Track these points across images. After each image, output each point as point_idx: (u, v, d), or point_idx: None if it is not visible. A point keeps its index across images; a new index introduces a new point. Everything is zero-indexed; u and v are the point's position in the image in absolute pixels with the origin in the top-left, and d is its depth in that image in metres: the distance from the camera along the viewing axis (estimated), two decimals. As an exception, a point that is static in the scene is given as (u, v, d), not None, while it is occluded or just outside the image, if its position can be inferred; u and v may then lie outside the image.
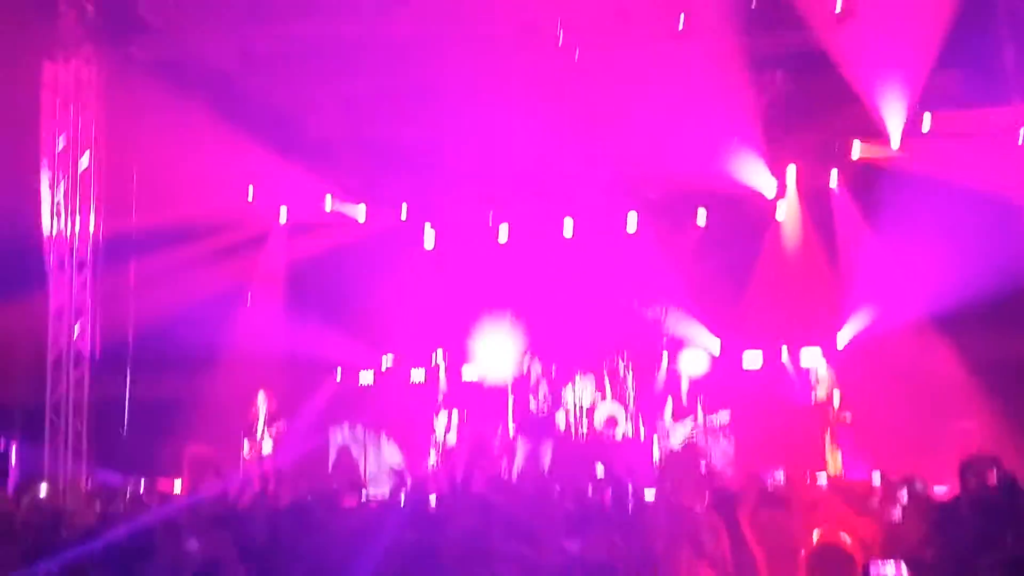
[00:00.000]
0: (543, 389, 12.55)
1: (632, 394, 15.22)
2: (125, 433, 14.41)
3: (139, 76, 13.28)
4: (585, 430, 15.19)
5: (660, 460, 13.93)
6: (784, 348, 14.59)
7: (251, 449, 13.85)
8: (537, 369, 12.79)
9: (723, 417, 13.94)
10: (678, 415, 13.93)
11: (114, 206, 14.07)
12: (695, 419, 13.82)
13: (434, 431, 14.77)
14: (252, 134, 14.24)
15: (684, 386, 14.11)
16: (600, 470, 8.57)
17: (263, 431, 13.81)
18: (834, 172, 15.06)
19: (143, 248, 14.39)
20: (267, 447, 13.65)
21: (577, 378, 15.46)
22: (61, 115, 13.60)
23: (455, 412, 14.70)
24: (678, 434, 13.83)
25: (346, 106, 15.61)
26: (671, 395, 14.11)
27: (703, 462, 13.34)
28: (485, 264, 16.64)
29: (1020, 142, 12.13)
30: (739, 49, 12.99)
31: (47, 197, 13.54)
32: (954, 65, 12.88)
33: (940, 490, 8.32)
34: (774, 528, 5.22)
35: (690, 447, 13.52)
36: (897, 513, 6.52)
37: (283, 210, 16.24)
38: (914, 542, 6.06)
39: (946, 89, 13.11)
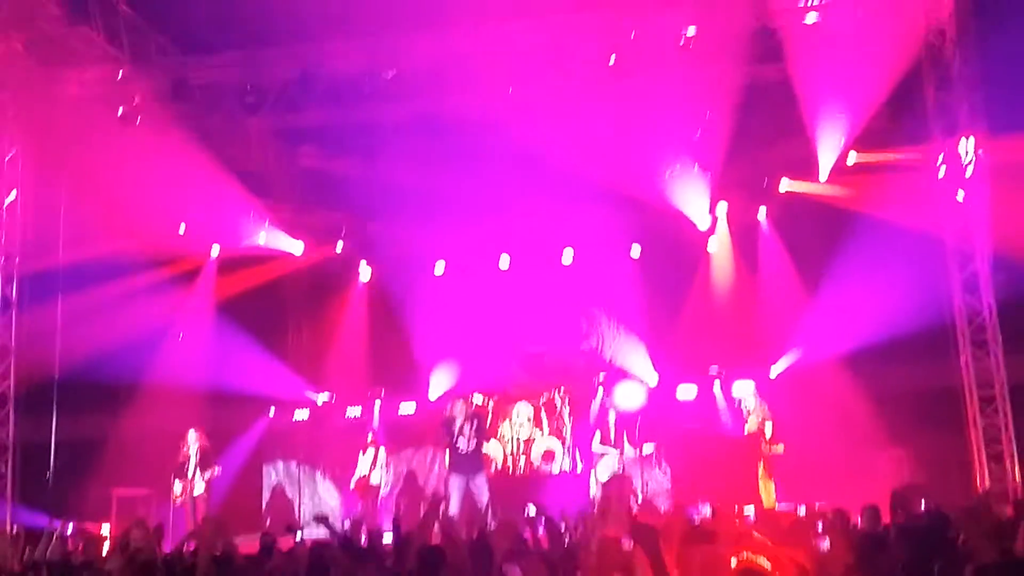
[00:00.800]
0: (471, 426, 12.44)
1: (569, 428, 15.27)
2: (51, 476, 14.00)
3: (67, 110, 13.07)
4: (523, 464, 15.19)
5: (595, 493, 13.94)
6: (717, 381, 14.73)
7: (183, 491, 13.43)
8: (461, 408, 12.68)
9: (650, 448, 13.99)
10: (604, 446, 13.96)
11: (40, 243, 13.77)
12: (622, 451, 13.85)
13: (357, 467, 14.56)
14: (184, 168, 14.12)
15: (612, 418, 14.13)
16: (531, 510, 8.53)
17: (195, 471, 13.42)
18: (762, 208, 15.35)
19: (69, 285, 14.08)
20: (199, 488, 13.24)
21: (514, 411, 15.47)
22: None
23: (382, 449, 14.53)
24: (605, 466, 13.84)
25: (280, 138, 15.58)
26: (599, 428, 14.14)
27: (632, 495, 13.37)
28: (422, 297, 16.63)
29: (939, 177, 12.45)
30: (674, 83, 13.19)
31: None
32: (883, 103, 13.25)
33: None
34: (700, 561, 5.25)
35: (619, 480, 13.55)
36: (825, 544, 6.60)
37: (215, 247, 16.00)
38: (841, 571, 6.13)
39: (874, 127, 13.45)
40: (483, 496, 12.26)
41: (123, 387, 13.95)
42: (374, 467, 14.20)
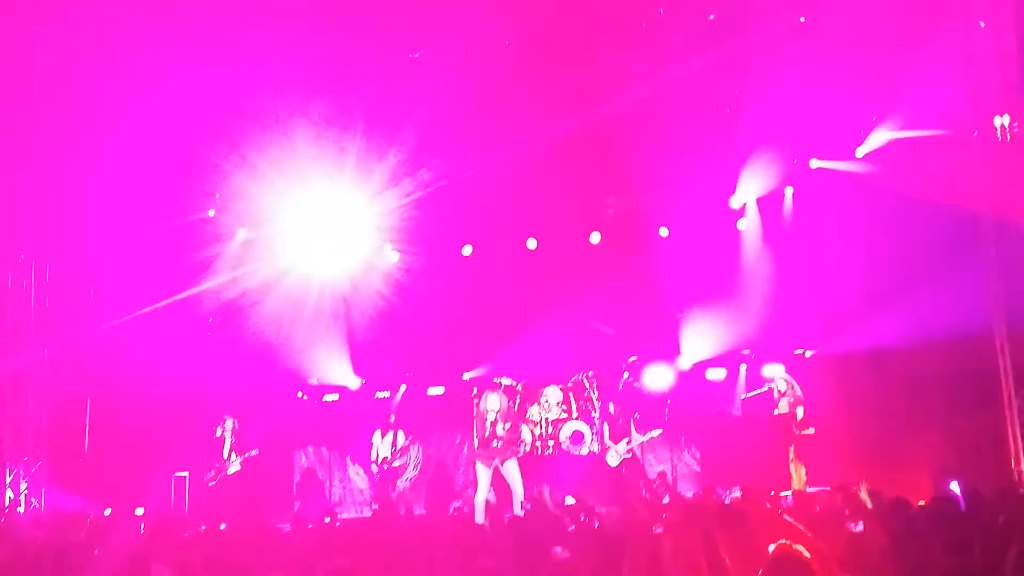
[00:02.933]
0: (504, 417, 12.43)
1: (598, 410, 15.21)
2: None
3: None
4: (552, 446, 15.16)
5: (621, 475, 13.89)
6: (746, 362, 14.63)
7: (216, 472, 13.72)
8: (496, 401, 12.67)
9: (656, 434, 13.92)
10: (615, 434, 13.89)
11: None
12: (631, 438, 13.78)
13: (375, 449, 14.54)
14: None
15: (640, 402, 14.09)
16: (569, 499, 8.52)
17: (230, 452, 13.68)
18: (792, 188, 15.13)
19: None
20: (233, 468, 13.58)
21: (543, 394, 15.43)
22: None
23: (400, 432, 14.50)
24: (623, 450, 13.80)
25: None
26: (635, 411, 14.05)
27: (642, 479, 13.35)
28: (452, 282, 16.57)
29: (975, 153, 12.21)
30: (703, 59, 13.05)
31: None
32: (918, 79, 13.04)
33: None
34: (731, 544, 5.17)
35: (636, 464, 13.58)
36: (859, 526, 6.51)
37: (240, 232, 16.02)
38: (876, 554, 6.04)
39: (908, 103, 13.24)
40: (515, 483, 12.27)
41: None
42: (394, 449, 14.16)
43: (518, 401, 15.59)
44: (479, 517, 11.49)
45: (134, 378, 13.94)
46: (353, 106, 13.85)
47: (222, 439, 13.86)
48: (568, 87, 13.90)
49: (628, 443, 13.80)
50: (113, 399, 14.17)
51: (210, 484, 13.79)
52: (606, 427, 14.04)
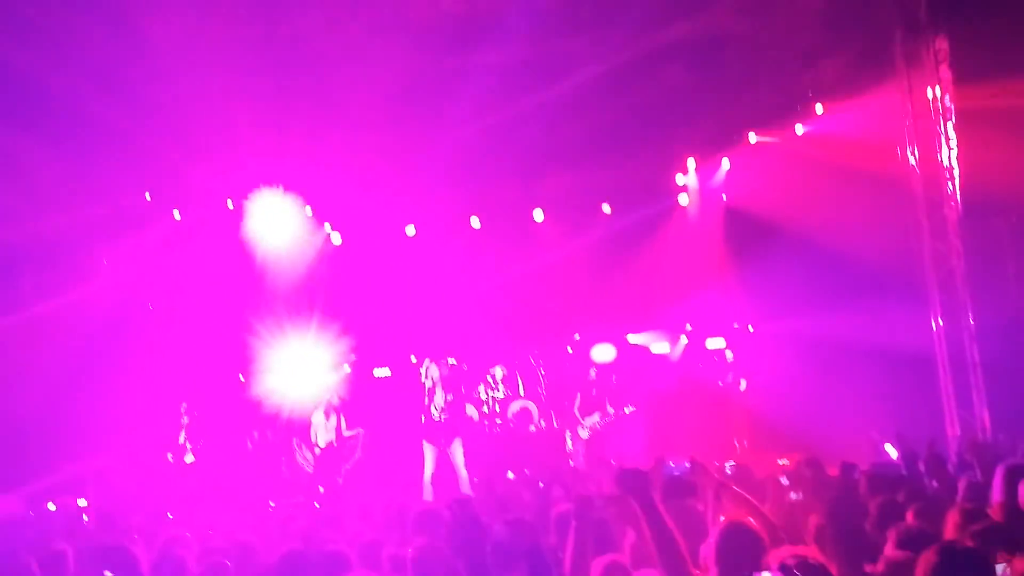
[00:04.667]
0: (444, 391, 12.30)
1: (543, 388, 15.31)
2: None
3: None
4: (499, 424, 15.22)
5: (572, 451, 14.03)
6: (689, 336, 14.81)
7: (174, 459, 13.62)
8: (435, 371, 12.50)
9: (631, 409, 14.09)
10: (586, 408, 14.01)
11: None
12: (603, 411, 13.92)
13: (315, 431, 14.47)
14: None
15: (592, 378, 14.18)
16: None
17: (186, 443, 13.57)
18: (729, 161, 15.27)
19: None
20: (189, 459, 13.46)
21: (489, 373, 15.48)
22: None
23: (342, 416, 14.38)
24: (586, 426, 13.94)
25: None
26: (580, 390, 14.19)
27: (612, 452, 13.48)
28: (396, 263, 16.54)
29: (908, 124, 12.45)
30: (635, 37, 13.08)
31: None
32: (845, 48, 13.23)
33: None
34: (681, 515, 5.25)
35: (597, 437, 13.69)
36: (797, 495, 6.65)
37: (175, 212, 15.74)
38: (814, 522, 6.17)
39: (842, 76, 13.42)
40: (458, 463, 12.13)
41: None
42: (339, 432, 14.07)
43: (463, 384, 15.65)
44: (426, 495, 11.49)
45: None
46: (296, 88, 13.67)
47: (178, 426, 13.74)
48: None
49: (599, 417, 13.92)
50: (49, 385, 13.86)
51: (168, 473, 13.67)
52: (577, 400, 14.10)
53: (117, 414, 13.84)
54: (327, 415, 14.14)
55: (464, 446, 12.37)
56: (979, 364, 12.00)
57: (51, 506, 12.21)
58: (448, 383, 12.46)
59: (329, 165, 15.56)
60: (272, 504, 10.59)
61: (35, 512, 10.49)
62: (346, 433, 13.97)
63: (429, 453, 12.18)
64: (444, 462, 12.18)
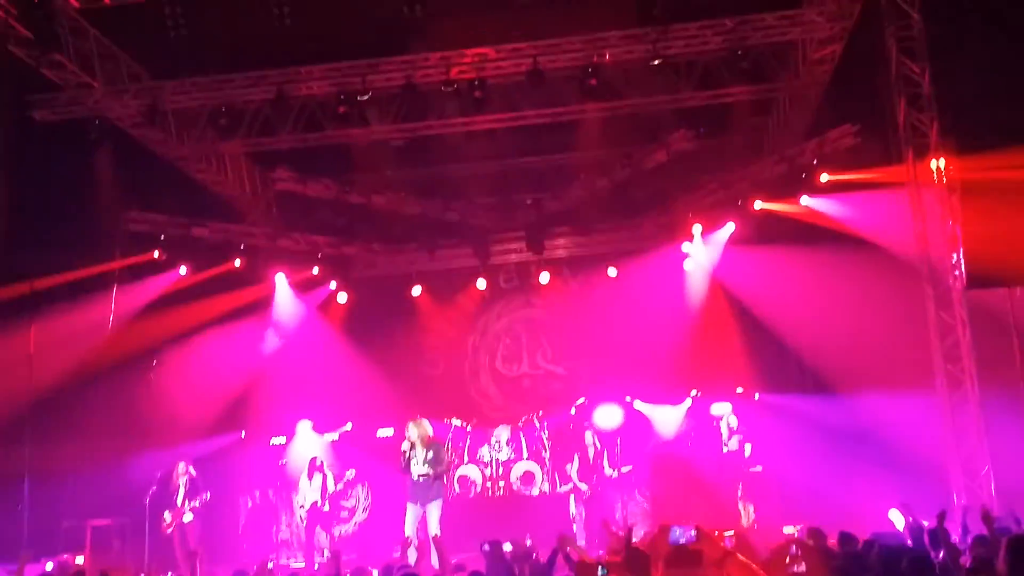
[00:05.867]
0: (425, 452, 12.12)
1: (548, 450, 15.25)
2: (24, 506, 13.82)
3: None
4: (503, 487, 15.13)
5: (576, 516, 13.91)
6: (695, 401, 14.77)
7: (172, 519, 13.43)
8: (413, 431, 12.35)
9: (628, 469, 14.03)
10: (584, 472, 13.90)
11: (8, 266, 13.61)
12: (601, 473, 13.84)
13: (300, 493, 14.35)
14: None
15: (592, 441, 14.10)
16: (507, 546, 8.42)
17: (184, 500, 13.41)
18: (735, 228, 15.35)
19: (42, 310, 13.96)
20: (188, 516, 13.24)
21: (493, 434, 15.43)
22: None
23: (330, 476, 14.18)
24: (584, 489, 13.83)
25: (255, 161, 15.55)
26: (578, 452, 14.10)
27: (614, 519, 13.34)
28: (400, 320, 16.62)
29: (911, 195, 12.56)
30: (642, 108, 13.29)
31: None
32: (850, 121, 13.41)
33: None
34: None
35: (602, 506, 13.58)
36: (802, 567, 6.60)
37: (183, 267, 15.79)
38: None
39: (843, 145, 13.58)
40: (433, 526, 11.87)
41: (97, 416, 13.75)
42: (324, 492, 13.95)
43: (468, 443, 15.59)
44: (410, 559, 11.16)
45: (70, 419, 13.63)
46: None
47: (176, 486, 13.58)
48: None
49: (597, 479, 13.83)
50: (54, 447, 13.83)
51: (167, 531, 13.50)
52: (576, 463, 13.96)
53: (116, 472, 13.77)
54: (311, 475, 14.04)
55: (444, 509, 12.08)
56: (984, 433, 11.95)
57: (49, 566, 12.09)
58: (426, 440, 12.23)
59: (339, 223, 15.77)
60: (271, 565, 10.46)
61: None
62: (333, 489, 13.85)
63: (411, 515, 11.97)
64: (423, 527, 11.92)
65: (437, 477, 11.95)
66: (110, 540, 14.04)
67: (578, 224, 15.77)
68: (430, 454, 11.95)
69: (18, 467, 13.80)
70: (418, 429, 12.14)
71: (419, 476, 11.90)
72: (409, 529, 11.75)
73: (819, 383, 13.84)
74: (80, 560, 12.86)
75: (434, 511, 11.80)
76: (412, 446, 12.00)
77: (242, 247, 15.90)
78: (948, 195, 12.19)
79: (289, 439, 15.85)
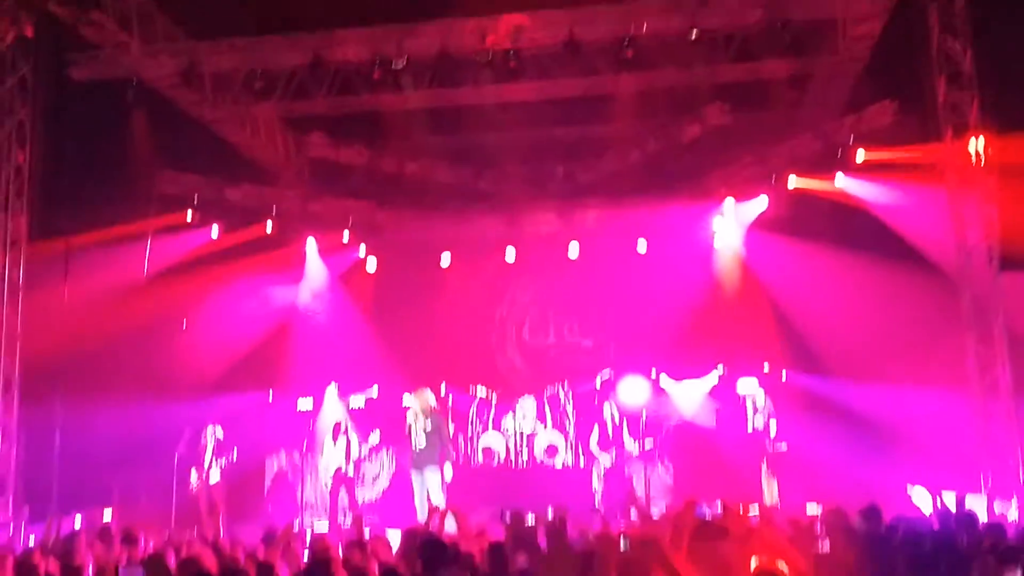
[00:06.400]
0: (424, 421, 12.47)
1: (572, 422, 15.28)
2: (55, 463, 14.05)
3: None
4: (526, 458, 15.19)
5: (598, 489, 13.97)
6: (721, 377, 14.74)
7: (198, 479, 13.70)
8: (413, 400, 12.72)
9: (651, 444, 14.05)
10: (603, 444, 13.96)
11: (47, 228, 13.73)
12: (622, 447, 13.87)
13: (325, 456, 14.49)
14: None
15: (613, 415, 14.12)
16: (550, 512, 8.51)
17: (211, 461, 13.67)
18: (769, 204, 15.22)
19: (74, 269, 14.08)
20: (214, 477, 13.53)
21: (518, 405, 15.48)
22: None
23: (355, 439, 14.35)
24: (607, 463, 13.88)
25: (289, 125, 15.58)
26: (598, 423, 14.16)
27: (636, 495, 13.39)
28: (428, 288, 16.67)
29: (949, 175, 12.39)
30: (678, 80, 13.17)
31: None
32: (888, 97, 13.24)
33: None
34: (712, 559, 5.23)
35: (623, 479, 13.62)
36: (825, 546, 6.60)
37: (214, 228, 15.90)
38: (843, 572, 6.13)
39: (880, 122, 13.42)
40: (436, 494, 12.17)
41: (127, 373, 13.90)
42: (348, 457, 14.13)
43: (492, 412, 15.65)
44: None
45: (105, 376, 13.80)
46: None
47: (203, 446, 13.86)
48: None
49: (617, 453, 13.87)
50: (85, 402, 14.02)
51: (192, 490, 13.76)
52: (596, 435, 14.07)
53: (145, 430, 13.94)
54: (335, 439, 14.21)
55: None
56: (1015, 418, 11.83)
57: (77, 520, 12.29)
58: (427, 410, 12.57)
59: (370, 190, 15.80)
60: (296, 525, 10.62)
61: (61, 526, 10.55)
62: (357, 454, 14.02)
63: (415, 483, 12.35)
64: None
65: (434, 446, 12.40)
66: (137, 497, 14.27)
67: (609, 196, 15.66)
68: (429, 424, 12.51)
69: (49, 422, 14.04)
70: (420, 400, 12.60)
71: (419, 445, 12.37)
72: (417, 497, 12.06)
73: (847, 366, 13.73)
74: (107, 516, 13.06)
75: (433, 478, 12.18)
76: (416, 416, 12.44)
77: (274, 211, 16.06)
78: (985, 176, 12.01)
79: (316, 402, 15.99)
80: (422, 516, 11.84)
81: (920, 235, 12.69)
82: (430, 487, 12.37)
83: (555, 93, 13.52)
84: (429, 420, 12.59)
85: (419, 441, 12.55)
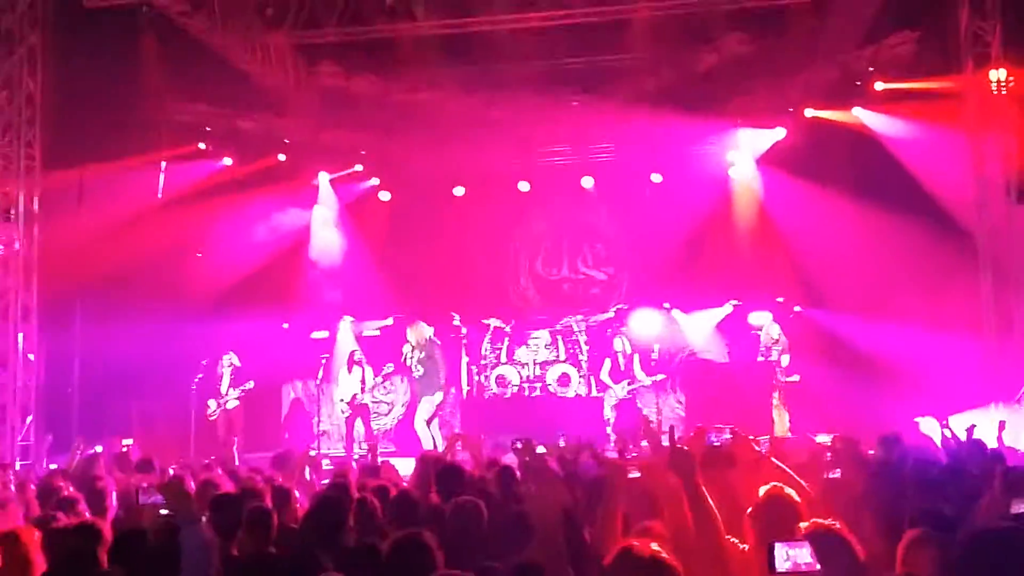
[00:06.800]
0: (420, 353, 13.39)
1: (585, 354, 15.37)
2: (73, 389, 14.24)
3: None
4: (539, 388, 15.32)
5: (610, 419, 14.10)
6: (734, 309, 14.76)
7: (217, 406, 13.97)
8: (410, 335, 13.59)
9: (662, 378, 14.17)
10: (615, 375, 14.09)
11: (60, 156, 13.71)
12: (633, 379, 13.98)
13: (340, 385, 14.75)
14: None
15: (623, 347, 14.19)
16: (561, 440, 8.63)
17: (228, 388, 13.93)
18: (785, 135, 15.04)
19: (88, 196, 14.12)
20: (232, 403, 13.83)
21: (531, 336, 15.56)
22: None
23: (368, 369, 14.58)
24: (620, 394, 14.01)
25: (300, 54, 15.42)
26: (610, 356, 14.25)
27: (649, 421, 13.51)
28: (441, 220, 16.67)
29: (969, 106, 12.21)
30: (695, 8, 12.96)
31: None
32: (909, 27, 13.01)
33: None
34: (720, 486, 5.28)
35: (635, 409, 13.75)
36: (836, 472, 6.66)
37: (226, 160, 15.85)
38: (852, 500, 6.19)
39: (900, 52, 13.21)
40: (427, 419, 13.03)
41: (143, 302, 14.01)
42: (363, 387, 14.35)
43: (506, 343, 15.73)
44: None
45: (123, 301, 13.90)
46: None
47: (220, 375, 14.12)
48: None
49: (629, 384, 13.99)
50: (103, 331, 14.15)
51: (211, 418, 14.02)
52: (607, 367, 14.20)
53: (162, 358, 14.10)
54: (350, 369, 14.41)
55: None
56: None
57: (98, 448, 12.50)
58: (423, 344, 13.37)
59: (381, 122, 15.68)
60: (313, 451, 10.77)
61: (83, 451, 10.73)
62: (372, 383, 14.25)
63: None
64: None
65: (431, 375, 13.31)
66: (155, 424, 14.49)
67: (624, 127, 15.51)
68: (423, 354, 13.34)
69: (68, 350, 14.22)
70: (415, 332, 13.50)
71: (417, 375, 13.27)
72: (418, 424, 12.55)
73: (859, 303, 13.69)
74: (126, 443, 13.27)
75: (426, 405, 13.23)
76: (412, 348, 13.34)
77: (286, 141, 16.02)
78: (1006, 107, 11.84)
79: (331, 332, 16.12)
80: (426, 443, 12.23)
81: (936, 170, 12.56)
82: (419, 412, 13.25)
83: (570, 21, 13.32)
84: (423, 351, 13.30)
85: (417, 371, 13.37)
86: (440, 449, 10.68)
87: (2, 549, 4.69)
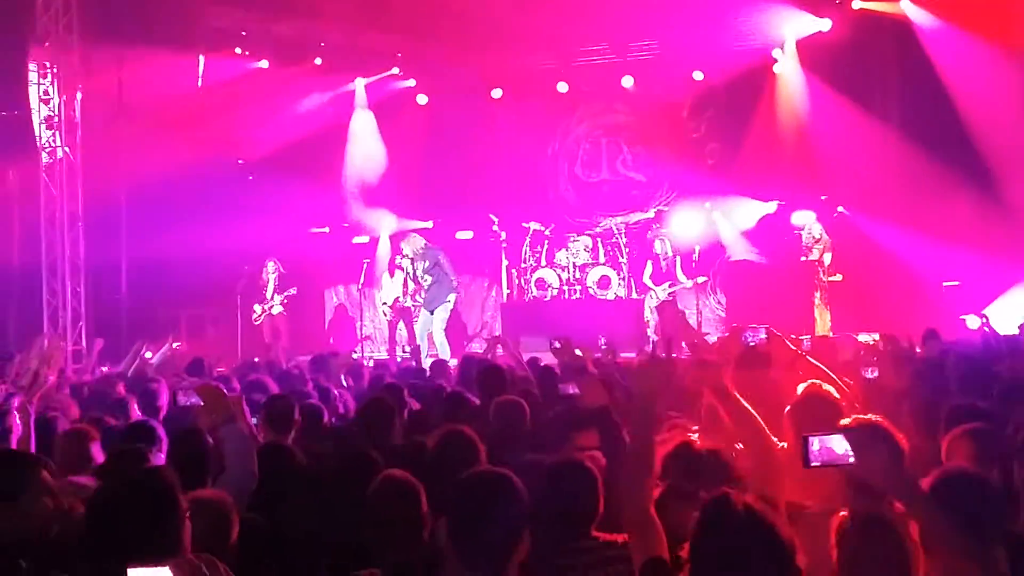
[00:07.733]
0: (422, 263, 13.39)
1: (625, 256, 15.33)
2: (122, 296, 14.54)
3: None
4: (579, 290, 15.36)
5: (650, 320, 14.15)
6: (777, 208, 14.61)
7: (262, 311, 14.27)
8: (406, 245, 13.63)
9: (703, 280, 14.13)
10: (657, 278, 14.09)
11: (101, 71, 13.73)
12: (675, 281, 13.97)
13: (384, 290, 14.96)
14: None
15: (664, 249, 14.14)
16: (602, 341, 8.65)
17: (273, 293, 14.22)
18: (832, 26, 14.57)
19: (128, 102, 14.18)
20: (277, 309, 14.12)
21: (571, 239, 15.54)
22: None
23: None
24: (661, 296, 14.04)
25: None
26: (651, 259, 14.23)
27: (687, 322, 13.54)
28: (479, 123, 16.54)
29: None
30: None
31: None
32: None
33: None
34: (755, 385, 5.27)
35: (676, 310, 13.76)
36: (874, 372, 6.64)
37: (264, 63, 15.76)
38: (891, 398, 6.19)
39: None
40: (437, 330, 13.14)
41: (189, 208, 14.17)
42: (405, 290, 14.50)
43: (545, 247, 15.73)
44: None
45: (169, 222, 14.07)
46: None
47: (265, 281, 14.36)
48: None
49: (671, 286, 14.01)
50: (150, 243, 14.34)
51: (256, 322, 14.34)
52: (649, 269, 14.21)
53: (208, 264, 14.30)
54: (392, 273, 14.58)
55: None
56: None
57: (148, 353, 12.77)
58: (423, 254, 13.36)
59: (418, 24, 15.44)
60: (355, 354, 10.98)
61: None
62: (413, 287, 14.33)
63: (420, 321, 13.17)
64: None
65: (440, 282, 13.28)
66: (204, 328, 14.81)
67: (663, 25, 15.15)
68: (427, 263, 13.30)
69: (116, 257, 14.47)
70: (410, 245, 13.53)
71: (426, 285, 13.25)
72: (437, 334, 12.58)
73: (902, 211, 13.42)
74: (176, 345, 13.56)
75: (440, 314, 13.20)
76: (412, 261, 13.37)
77: (322, 45, 15.90)
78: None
79: (372, 237, 16.22)
80: (443, 353, 12.33)
81: (979, 75, 12.15)
82: (435, 322, 13.18)
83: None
84: (426, 260, 13.27)
85: (425, 281, 13.36)
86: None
87: (66, 446, 4.88)
